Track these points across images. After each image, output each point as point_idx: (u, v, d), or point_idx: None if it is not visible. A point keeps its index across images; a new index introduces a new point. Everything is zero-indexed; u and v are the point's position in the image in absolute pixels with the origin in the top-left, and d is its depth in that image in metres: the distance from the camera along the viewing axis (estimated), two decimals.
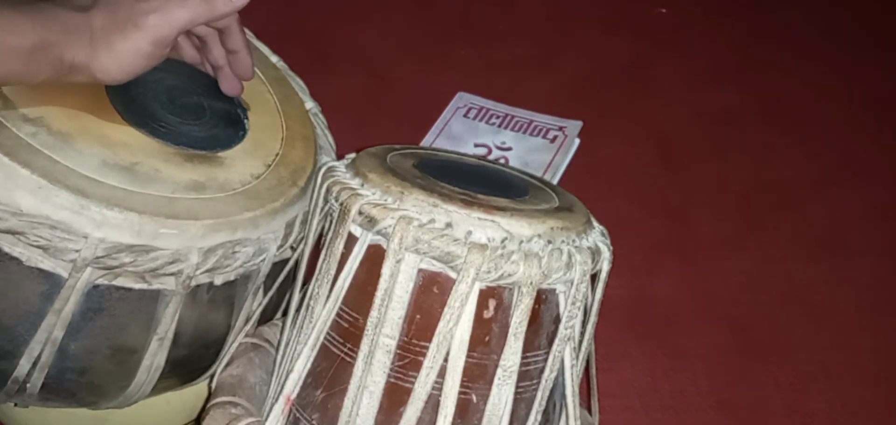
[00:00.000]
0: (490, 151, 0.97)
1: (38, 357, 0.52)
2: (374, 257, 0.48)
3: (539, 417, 0.50)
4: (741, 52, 1.19)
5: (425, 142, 0.98)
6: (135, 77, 0.57)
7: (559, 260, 0.47)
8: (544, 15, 1.24)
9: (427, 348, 0.47)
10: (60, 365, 0.53)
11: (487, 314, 0.47)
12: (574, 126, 1.00)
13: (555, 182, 0.87)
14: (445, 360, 0.47)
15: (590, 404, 0.60)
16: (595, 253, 0.50)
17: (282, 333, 0.56)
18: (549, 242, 0.48)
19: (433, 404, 0.47)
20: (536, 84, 1.09)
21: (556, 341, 0.49)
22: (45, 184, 0.50)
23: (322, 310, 0.49)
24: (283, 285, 0.61)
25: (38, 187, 0.50)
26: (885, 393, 0.78)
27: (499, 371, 0.48)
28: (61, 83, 0.55)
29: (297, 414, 0.50)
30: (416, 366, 0.47)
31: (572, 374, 0.51)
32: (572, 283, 0.48)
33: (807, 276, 0.88)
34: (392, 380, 0.48)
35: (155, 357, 0.55)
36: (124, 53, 0.56)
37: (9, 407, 0.66)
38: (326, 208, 0.52)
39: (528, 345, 0.48)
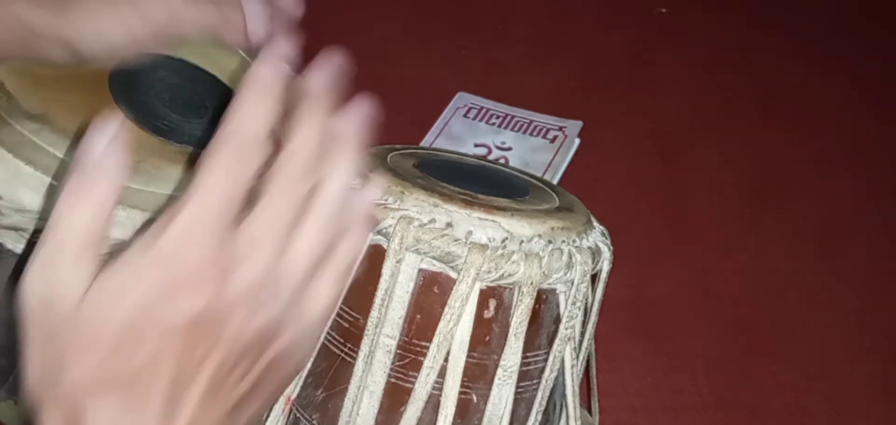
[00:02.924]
0: (490, 151, 0.97)
1: None
2: (375, 257, 0.48)
3: (539, 417, 0.50)
4: (741, 52, 1.19)
5: (425, 142, 0.98)
6: (117, 56, 0.53)
7: (560, 260, 0.47)
8: (544, 14, 1.23)
9: (427, 348, 0.47)
10: None
11: (488, 314, 0.47)
12: (574, 126, 1.00)
13: (555, 182, 0.87)
14: (446, 360, 0.47)
15: (590, 404, 0.60)
16: (595, 253, 0.50)
17: None
18: (550, 242, 0.48)
19: (433, 404, 0.47)
20: (536, 84, 1.09)
21: (557, 341, 0.49)
22: (48, 182, 0.50)
23: None
24: None
25: (42, 184, 0.50)
26: (885, 393, 0.78)
27: (499, 371, 0.48)
28: (65, 80, 0.55)
29: (298, 414, 0.50)
30: (417, 366, 0.47)
31: (572, 374, 0.51)
32: (573, 283, 0.48)
33: (808, 276, 0.88)
34: (392, 380, 0.48)
35: None
36: (109, 26, 0.51)
37: (9, 406, 0.66)
38: None
39: (529, 345, 0.48)
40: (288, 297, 0.37)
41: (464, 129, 1.00)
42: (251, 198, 0.36)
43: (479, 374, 0.48)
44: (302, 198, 0.38)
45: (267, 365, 0.38)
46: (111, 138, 0.34)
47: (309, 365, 0.49)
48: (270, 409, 0.50)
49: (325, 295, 0.40)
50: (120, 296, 0.33)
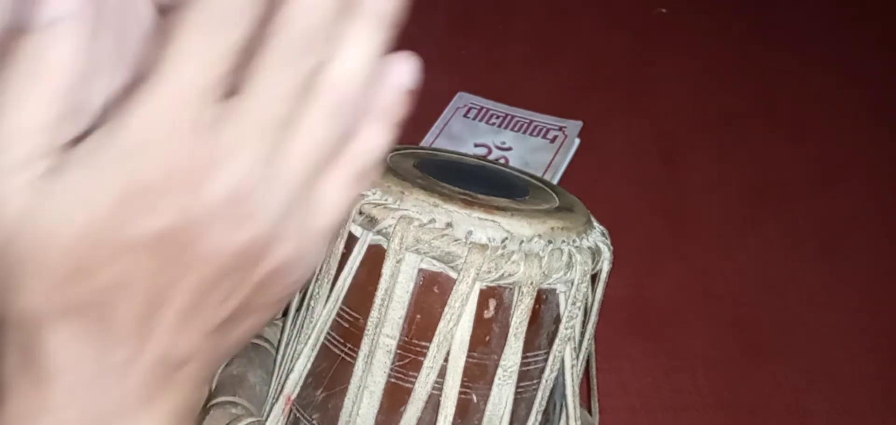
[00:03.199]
0: (490, 151, 0.97)
1: None
2: (375, 257, 0.48)
3: (539, 417, 0.50)
4: (741, 52, 1.19)
5: (425, 142, 0.98)
6: None
7: (559, 260, 0.47)
8: (544, 14, 1.23)
9: (427, 348, 0.47)
10: None
11: (488, 314, 0.47)
12: (574, 126, 1.00)
13: (555, 182, 0.87)
14: (446, 360, 0.47)
15: (590, 404, 0.60)
16: (595, 253, 0.50)
17: (282, 333, 0.56)
18: (550, 242, 0.48)
19: (433, 404, 0.47)
20: (536, 84, 1.09)
21: (557, 341, 0.49)
22: None
23: (322, 309, 0.49)
24: None
25: None
26: (885, 393, 0.78)
27: (499, 371, 0.48)
28: None
29: (298, 414, 0.50)
30: (417, 366, 0.47)
31: (572, 374, 0.51)
32: (573, 283, 0.48)
33: (807, 276, 0.88)
34: (392, 380, 0.48)
35: None
36: None
37: None
38: None
39: (529, 345, 0.48)
40: (284, 204, 0.30)
41: (464, 129, 1.00)
42: (237, 80, 0.28)
43: (479, 374, 0.48)
44: (304, 78, 0.29)
45: (258, 284, 0.31)
46: (67, 4, 0.27)
47: (309, 365, 0.49)
48: (270, 409, 0.50)
49: (333, 201, 0.32)
50: (73, 205, 0.27)
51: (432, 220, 0.46)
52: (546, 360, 0.49)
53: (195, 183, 0.28)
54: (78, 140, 0.28)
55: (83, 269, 0.28)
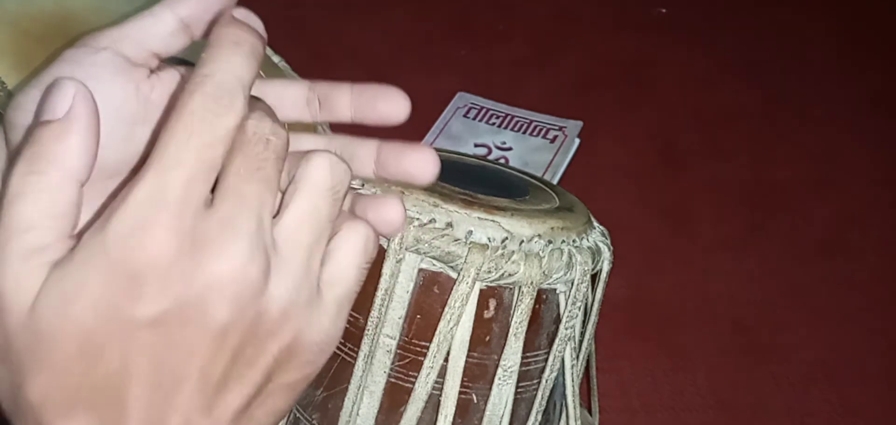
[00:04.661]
0: (490, 151, 0.97)
1: None
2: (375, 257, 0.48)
3: (539, 417, 0.50)
4: (741, 52, 1.19)
5: (425, 142, 0.98)
6: None
7: (559, 260, 0.47)
8: (544, 15, 1.23)
9: (427, 348, 0.47)
10: None
11: (488, 314, 0.47)
12: (574, 126, 1.00)
13: (555, 182, 0.87)
14: (446, 360, 0.47)
15: (590, 404, 0.60)
16: (595, 253, 0.50)
17: None
18: (550, 242, 0.48)
19: (434, 404, 0.47)
20: (536, 84, 1.09)
21: (557, 341, 0.49)
22: None
23: None
24: None
25: None
26: (885, 393, 0.78)
27: (499, 371, 0.48)
28: None
29: (298, 414, 0.50)
30: (417, 366, 0.47)
31: (572, 374, 0.51)
32: (573, 283, 0.48)
33: (807, 276, 0.88)
34: (392, 380, 0.48)
35: None
36: None
37: None
38: None
39: (529, 345, 0.48)
40: (290, 276, 0.30)
41: (464, 129, 1.00)
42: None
43: (479, 374, 0.48)
44: (280, 155, 0.30)
45: (275, 360, 0.30)
46: (75, 96, 0.28)
47: None
48: None
49: (343, 267, 0.33)
50: (71, 298, 0.27)
51: (432, 220, 0.46)
52: (546, 360, 0.49)
53: (190, 263, 0.27)
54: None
55: (86, 354, 0.27)
